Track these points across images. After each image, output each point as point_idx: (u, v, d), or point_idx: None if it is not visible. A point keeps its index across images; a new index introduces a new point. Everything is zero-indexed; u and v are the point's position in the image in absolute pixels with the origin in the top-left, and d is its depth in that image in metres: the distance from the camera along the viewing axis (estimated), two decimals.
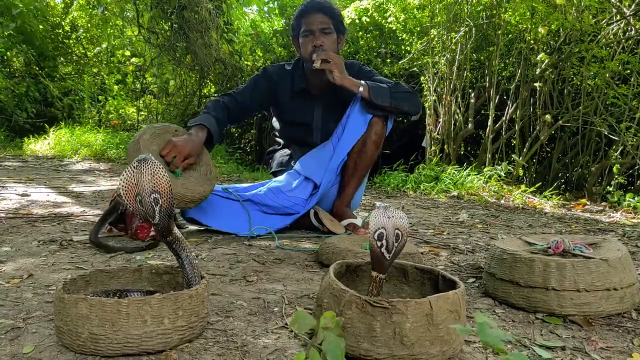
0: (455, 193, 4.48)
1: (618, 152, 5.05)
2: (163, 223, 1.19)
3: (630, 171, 5.26)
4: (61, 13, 10.25)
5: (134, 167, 1.16)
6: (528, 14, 5.25)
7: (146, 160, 1.17)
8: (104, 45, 9.74)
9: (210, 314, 1.31)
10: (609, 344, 1.22)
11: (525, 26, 5.37)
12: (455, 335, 1.08)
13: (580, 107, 5.03)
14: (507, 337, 0.82)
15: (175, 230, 1.22)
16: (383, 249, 1.15)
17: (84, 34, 10.40)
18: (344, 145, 2.50)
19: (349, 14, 6.72)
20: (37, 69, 9.84)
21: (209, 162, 2.42)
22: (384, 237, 1.15)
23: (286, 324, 1.28)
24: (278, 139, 2.92)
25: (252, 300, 1.46)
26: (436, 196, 4.40)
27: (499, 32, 5.41)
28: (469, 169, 4.99)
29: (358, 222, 2.53)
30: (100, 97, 10.42)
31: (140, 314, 1.05)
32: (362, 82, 2.45)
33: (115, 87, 10.28)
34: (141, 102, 9.45)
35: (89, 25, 10.14)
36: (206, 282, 1.20)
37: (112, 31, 9.60)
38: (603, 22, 4.95)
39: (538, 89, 5.34)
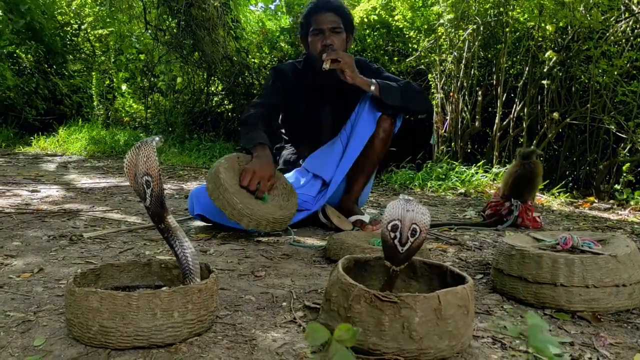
0: (462, 190, 4.47)
1: (626, 150, 5.01)
2: (154, 208, 1.20)
3: (639, 169, 5.22)
4: (65, 5, 10.28)
5: (136, 148, 1.20)
6: (536, 11, 5.21)
7: (146, 142, 1.20)
8: (112, 44, 9.78)
9: (219, 308, 1.32)
10: (617, 340, 1.22)
11: (533, 24, 5.33)
12: (463, 330, 1.08)
13: (588, 105, 4.99)
14: (560, 342, 0.74)
15: (170, 218, 1.22)
16: (396, 241, 1.14)
17: (92, 32, 10.44)
18: (355, 146, 2.48)
19: (357, 14, 6.70)
20: (46, 66, 9.89)
21: (279, 175, 2.42)
22: (398, 230, 1.13)
23: (294, 318, 1.28)
24: (285, 136, 2.92)
25: (260, 295, 1.47)
26: (443, 194, 4.38)
27: (507, 29, 5.38)
28: (477, 166, 4.98)
29: (365, 218, 2.54)
30: (108, 95, 10.47)
31: (150, 307, 1.06)
32: (374, 80, 2.44)
33: (124, 84, 10.32)
34: (149, 99, 9.49)
35: (95, 23, 10.17)
36: (215, 277, 1.20)
37: (118, 26, 9.63)
38: (612, 19, 4.91)
39: (546, 86, 5.31)
